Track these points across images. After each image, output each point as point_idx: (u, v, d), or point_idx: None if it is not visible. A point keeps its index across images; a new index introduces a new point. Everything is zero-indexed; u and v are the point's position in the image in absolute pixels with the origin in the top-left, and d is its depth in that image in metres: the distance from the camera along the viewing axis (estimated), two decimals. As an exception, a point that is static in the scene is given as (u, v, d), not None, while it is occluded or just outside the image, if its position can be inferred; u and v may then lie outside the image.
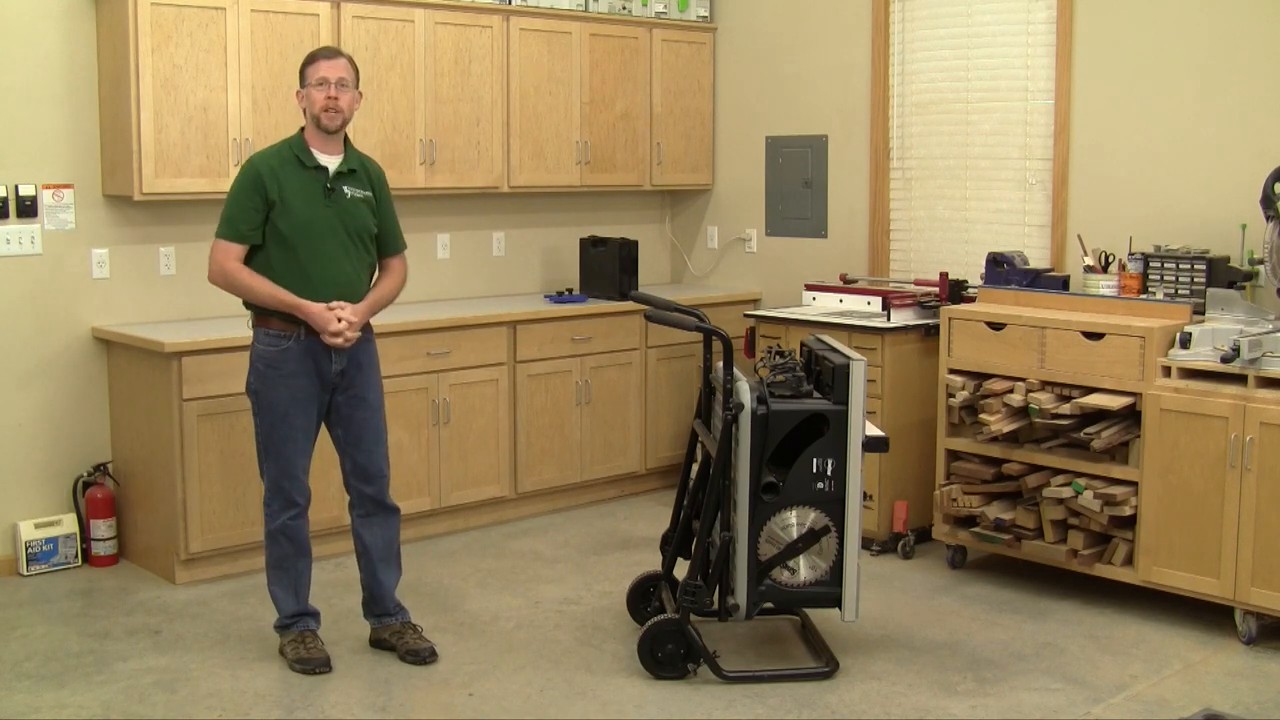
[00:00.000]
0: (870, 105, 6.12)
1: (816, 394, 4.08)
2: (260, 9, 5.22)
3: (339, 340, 4.04)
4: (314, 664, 4.12)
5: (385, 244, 4.28)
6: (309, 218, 4.05)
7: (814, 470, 4.00)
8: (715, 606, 4.08)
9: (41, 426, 5.15)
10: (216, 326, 5.17)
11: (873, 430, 4.14)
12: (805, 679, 4.06)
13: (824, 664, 4.12)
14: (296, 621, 4.21)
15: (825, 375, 4.09)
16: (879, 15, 6.04)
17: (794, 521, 4.02)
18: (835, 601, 4.08)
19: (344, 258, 4.11)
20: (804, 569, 4.05)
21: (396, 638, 4.27)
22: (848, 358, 4.02)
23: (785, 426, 3.99)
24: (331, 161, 4.12)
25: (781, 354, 4.28)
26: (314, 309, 4.01)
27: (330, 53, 4.17)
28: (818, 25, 6.32)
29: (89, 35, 5.15)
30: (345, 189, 4.12)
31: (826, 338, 4.39)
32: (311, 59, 4.14)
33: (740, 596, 4.01)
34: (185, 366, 4.86)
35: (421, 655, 4.20)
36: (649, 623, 4.11)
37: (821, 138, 6.35)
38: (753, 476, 3.96)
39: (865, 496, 4.23)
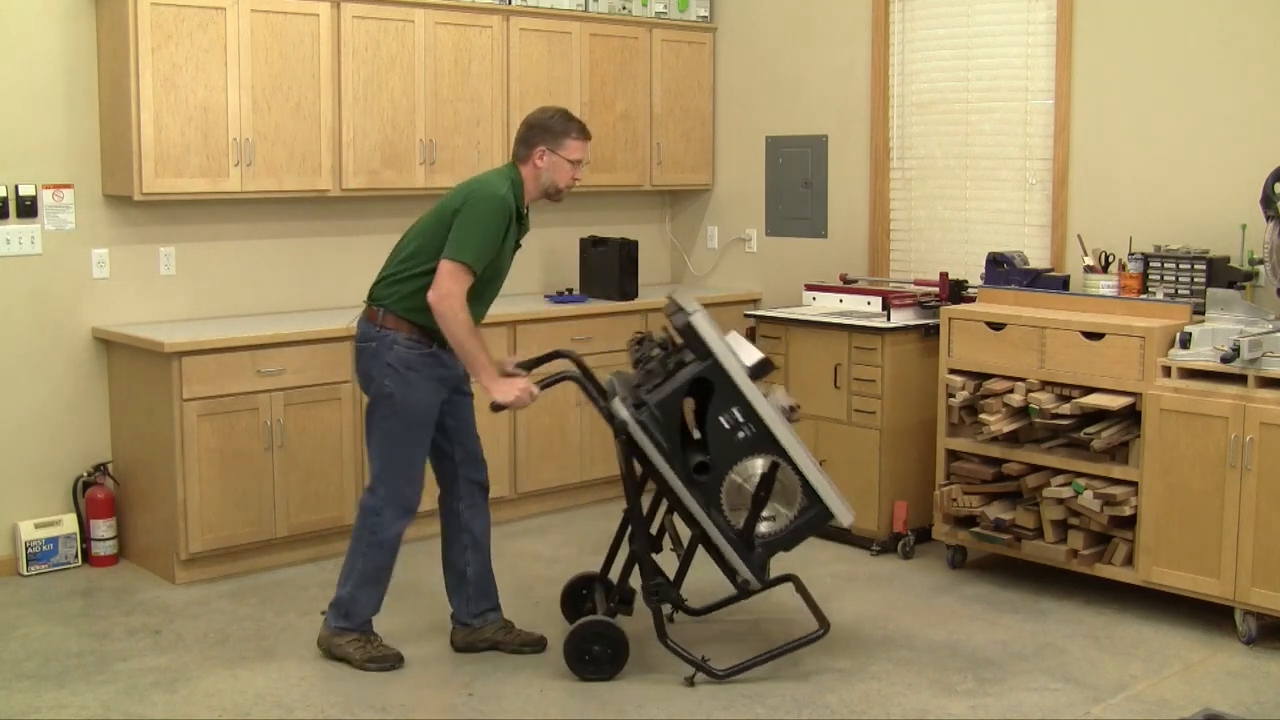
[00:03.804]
0: (870, 105, 6.12)
1: (687, 360, 4.02)
2: (260, 9, 5.22)
3: (517, 406, 4.03)
4: (391, 660, 4.15)
5: None
6: (501, 267, 4.12)
7: (727, 427, 3.96)
8: (683, 601, 4.14)
9: (41, 426, 5.15)
10: (216, 326, 5.18)
11: (752, 354, 4.06)
12: (801, 646, 4.07)
13: (818, 628, 4.11)
14: (365, 625, 4.22)
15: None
16: (879, 15, 6.04)
17: (742, 480, 4.00)
18: (827, 517, 4.05)
19: (491, 301, 4.20)
20: (781, 510, 4.03)
21: (505, 633, 4.29)
22: (687, 314, 3.97)
23: (674, 408, 3.95)
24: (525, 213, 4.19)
25: (640, 342, 4.25)
26: (498, 386, 3.99)
27: (589, 132, 4.20)
28: (818, 25, 6.32)
29: (89, 35, 5.15)
30: (520, 242, 4.19)
31: (680, 298, 4.20)
32: (580, 131, 4.14)
33: (744, 571, 4.00)
34: (185, 366, 4.86)
35: (542, 645, 4.26)
36: (577, 622, 4.11)
37: (821, 138, 6.35)
38: (679, 470, 3.94)
39: (792, 409, 4.17)
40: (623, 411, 3.94)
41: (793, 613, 4.48)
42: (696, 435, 4.03)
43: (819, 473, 4.05)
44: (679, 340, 4.13)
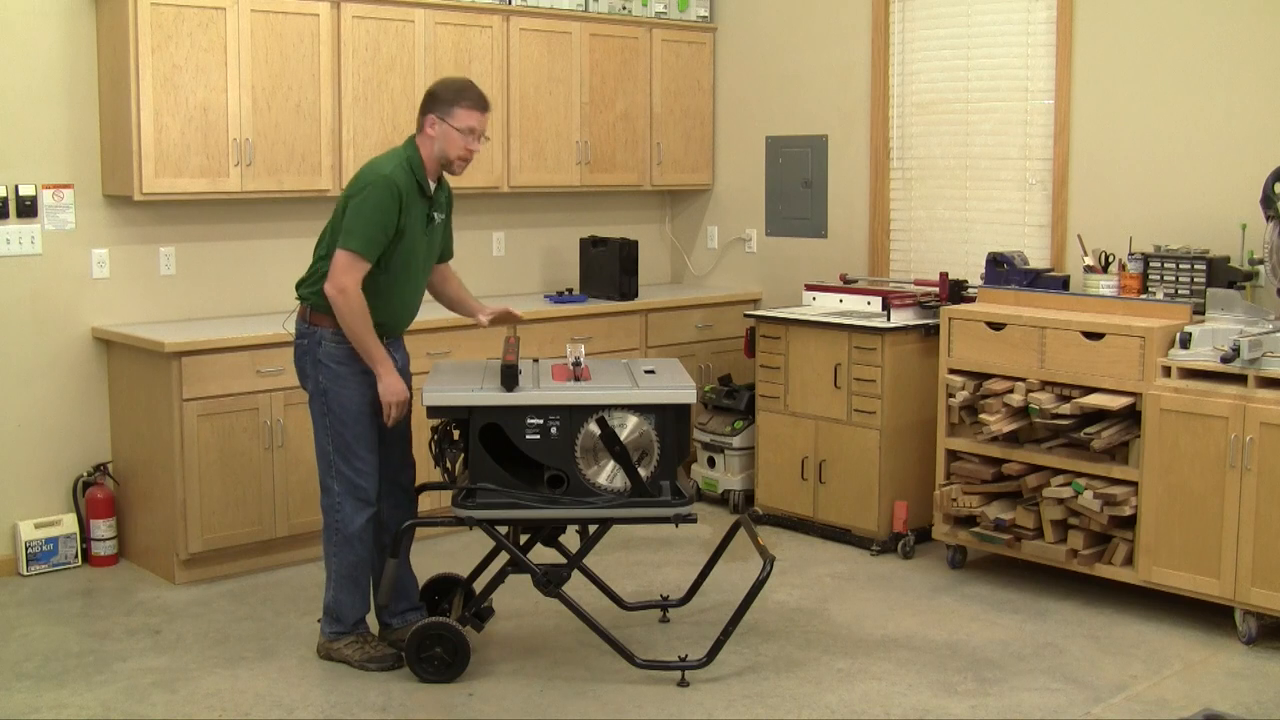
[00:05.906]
0: (870, 105, 6.12)
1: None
2: (260, 9, 5.22)
3: (389, 411, 4.04)
4: (390, 659, 4.13)
5: (444, 253, 4.32)
6: (415, 246, 4.06)
7: (539, 435, 3.95)
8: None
9: (41, 426, 5.15)
10: (216, 326, 5.18)
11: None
12: (756, 592, 4.02)
13: (764, 567, 4.05)
14: (358, 625, 4.22)
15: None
16: (879, 15, 6.04)
17: (594, 456, 3.97)
18: (680, 411, 3.99)
19: (421, 283, 4.17)
20: (644, 446, 3.98)
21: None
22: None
23: (490, 468, 3.96)
24: (431, 187, 4.11)
25: (437, 437, 4.20)
26: (389, 380, 4.00)
27: (487, 102, 4.08)
28: (818, 25, 6.32)
29: (89, 35, 5.15)
30: (435, 215, 4.14)
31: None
32: (471, 100, 4.02)
33: (669, 512, 3.96)
34: (185, 366, 4.87)
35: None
36: (425, 620, 4.10)
37: (821, 138, 6.36)
38: (544, 503, 3.94)
39: (575, 364, 4.10)
40: (463, 513, 3.96)
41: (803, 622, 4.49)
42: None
43: (637, 386, 3.99)
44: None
